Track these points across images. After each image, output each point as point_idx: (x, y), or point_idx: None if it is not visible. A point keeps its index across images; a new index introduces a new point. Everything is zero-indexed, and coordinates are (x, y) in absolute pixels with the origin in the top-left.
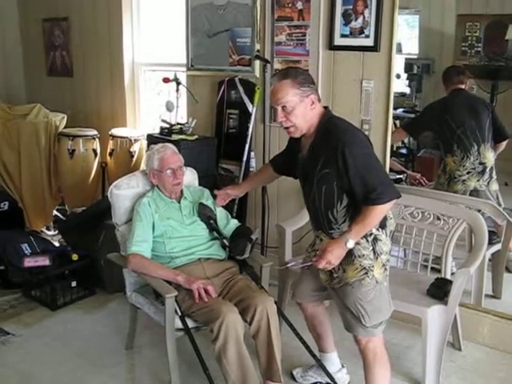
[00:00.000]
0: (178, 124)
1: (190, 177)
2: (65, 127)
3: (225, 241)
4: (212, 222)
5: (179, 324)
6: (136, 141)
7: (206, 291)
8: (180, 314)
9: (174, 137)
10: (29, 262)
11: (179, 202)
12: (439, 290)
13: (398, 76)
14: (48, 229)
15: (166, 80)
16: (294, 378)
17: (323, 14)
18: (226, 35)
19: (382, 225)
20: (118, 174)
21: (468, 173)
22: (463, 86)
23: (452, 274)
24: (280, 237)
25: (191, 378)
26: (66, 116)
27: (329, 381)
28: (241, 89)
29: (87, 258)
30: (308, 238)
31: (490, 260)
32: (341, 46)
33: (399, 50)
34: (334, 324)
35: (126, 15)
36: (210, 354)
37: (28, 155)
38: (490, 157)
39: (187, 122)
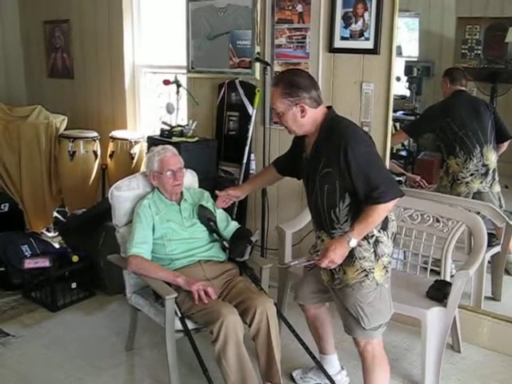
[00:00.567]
0: (179, 126)
1: (190, 179)
2: (65, 129)
3: (225, 243)
4: (212, 224)
5: (179, 325)
6: (136, 143)
7: (206, 293)
8: (180, 315)
9: (175, 139)
10: (29, 264)
11: (179, 204)
12: (439, 292)
13: (398, 79)
14: (48, 230)
15: (166, 82)
16: (293, 380)
17: (323, 17)
18: (227, 37)
19: (384, 226)
20: (118, 175)
21: (471, 175)
22: (464, 88)
23: (451, 276)
24: (280, 239)
25: (191, 380)
26: (66, 118)
27: (328, 383)
28: (241, 91)
29: (87, 259)
30: (308, 240)
31: (489, 262)
32: (341, 49)
33: (399, 53)
34: (334, 325)
35: (127, 17)
36: (210, 355)
37: (28, 157)
38: (492, 158)
39: (187, 124)
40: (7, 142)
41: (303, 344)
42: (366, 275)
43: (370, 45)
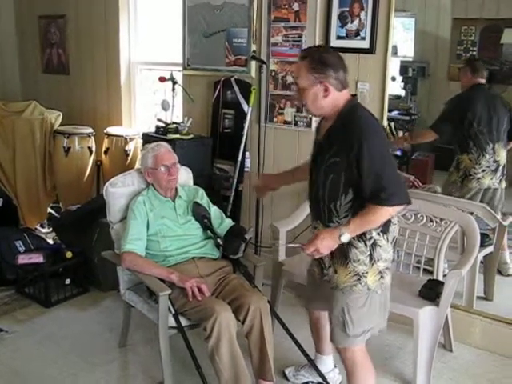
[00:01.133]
0: (174, 123)
1: (185, 176)
2: (60, 125)
3: (219, 240)
4: (206, 221)
5: (172, 322)
6: (131, 139)
7: (200, 290)
8: (173, 312)
9: (170, 136)
10: (23, 259)
11: (174, 201)
12: (431, 292)
13: (394, 78)
14: (42, 226)
15: (162, 79)
16: (286, 377)
17: (319, 16)
18: (223, 35)
19: (385, 230)
20: (112, 172)
21: (483, 171)
22: (484, 81)
23: (444, 275)
24: (274, 237)
25: (184, 376)
26: (61, 114)
27: (321, 380)
28: (236, 89)
29: (81, 255)
30: (302, 238)
31: (481, 262)
32: (336, 48)
33: (395, 53)
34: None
35: (123, 14)
36: (203, 352)
37: (23, 152)
38: (503, 155)
39: (183, 122)
40: (1, 137)
41: (296, 342)
42: (359, 279)
43: (365, 44)
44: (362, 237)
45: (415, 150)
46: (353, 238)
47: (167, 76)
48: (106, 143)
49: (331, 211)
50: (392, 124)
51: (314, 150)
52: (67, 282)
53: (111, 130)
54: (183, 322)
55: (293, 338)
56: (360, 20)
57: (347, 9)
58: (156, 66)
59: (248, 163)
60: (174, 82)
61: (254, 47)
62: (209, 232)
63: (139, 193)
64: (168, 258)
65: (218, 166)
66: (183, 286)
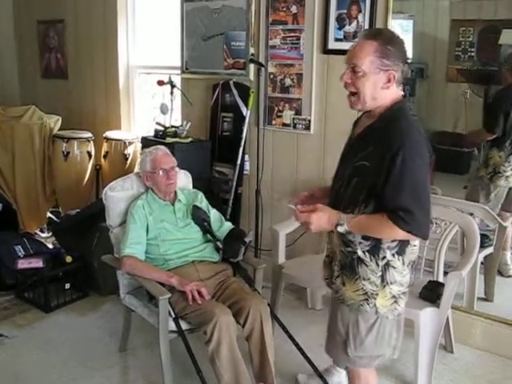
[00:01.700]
0: (173, 127)
1: (184, 179)
2: (59, 129)
3: (218, 243)
4: (206, 224)
5: (173, 326)
6: (130, 143)
7: (200, 293)
8: (173, 315)
9: (169, 139)
10: (22, 264)
11: (173, 205)
12: (431, 293)
13: None
14: (42, 231)
15: (160, 83)
16: (297, 382)
17: (317, 18)
18: (221, 39)
19: (400, 251)
20: (112, 176)
21: None
22: None
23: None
24: (273, 239)
25: (184, 380)
26: (60, 118)
27: None
28: (235, 92)
29: (81, 260)
30: (301, 240)
31: (482, 263)
32: (335, 50)
33: None
34: (325, 326)
35: (121, 18)
36: (204, 355)
37: (22, 157)
38: None
39: (181, 125)
40: (0, 142)
41: (296, 344)
42: (366, 299)
43: None
44: (374, 255)
45: None
46: (364, 253)
47: (166, 80)
48: (105, 147)
49: (347, 212)
50: None
51: (346, 145)
52: (67, 286)
53: (110, 134)
54: (183, 325)
55: (293, 340)
56: (358, 22)
57: (345, 11)
58: (154, 70)
59: (247, 166)
60: (173, 86)
61: (252, 50)
62: (208, 235)
63: (138, 197)
64: (168, 261)
65: (217, 169)
66: (183, 290)
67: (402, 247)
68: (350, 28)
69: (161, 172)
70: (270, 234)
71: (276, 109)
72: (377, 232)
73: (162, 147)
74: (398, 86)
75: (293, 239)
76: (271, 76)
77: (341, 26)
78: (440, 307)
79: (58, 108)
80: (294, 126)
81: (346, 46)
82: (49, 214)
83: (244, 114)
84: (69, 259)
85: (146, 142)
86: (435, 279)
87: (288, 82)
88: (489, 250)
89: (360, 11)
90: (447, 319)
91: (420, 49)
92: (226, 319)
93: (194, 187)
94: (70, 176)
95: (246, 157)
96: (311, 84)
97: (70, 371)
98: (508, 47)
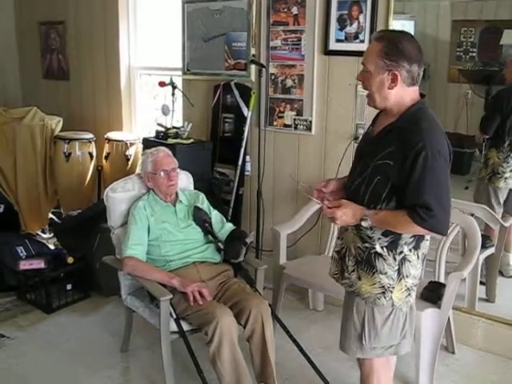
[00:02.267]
0: (174, 128)
1: (186, 180)
2: (61, 130)
3: (220, 244)
4: (207, 225)
5: (174, 327)
6: (132, 144)
7: (201, 294)
8: (175, 316)
9: (170, 140)
10: (24, 265)
11: (174, 206)
12: (433, 294)
13: None
14: (43, 232)
15: (161, 84)
16: None
17: (318, 19)
18: (222, 39)
19: (416, 246)
20: (113, 177)
21: (511, 171)
22: None
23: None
24: (275, 240)
25: (186, 381)
26: (61, 119)
27: None
28: (236, 93)
29: (82, 261)
30: (303, 241)
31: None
32: (336, 51)
33: None
34: (331, 326)
35: (123, 19)
36: (205, 356)
37: (24, 158)
38: None
39: (183, 126)
40: (2, 143)
41: (298, 345)
42: (383, 293)
43: (364, 47)
44: (392, 250)
45: None
46: (382, 248)
47: (167, 81)
48: (106, 148)
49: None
50: None
51: (362, 142)
52: (68, 287)
53: (111, 135)
54: (185, 326)
55: (294, 341)
56: (359, 23)
57: (346, 12)
58: (156, 71)
59: (248, 167)
60: (174, 87)
61: (253, 51)
62: (210, 236)
63: (140, 198)
64: (169, 262)
65: (219, 170)
66: (184, 291)
67: (418, 242)
68: (351, 29)
69: (162, 173)
70: (271, 234)
71: (277, 110)
72: (398, 228)
73: (164, 148)
74: (409, 85)
75: (294, 240)
76: (272, 77)
77: (342, 27)
78: (441, 308)
79: (60, 109)
80: (295, 127)
81: (347, 46)
82: (50, 215)
83: (245, 114)
84: (70, 260)
85: (148, 143)
86: (436, 280)
87: (289, 82)
88: (490, 251)
89: (361, 12)
90: (448, 320)
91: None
92: (228, 320)
93: (195, 188)
94: (72, 177)
95: (247, 158)
96: (312, 85)
97: (71, 371)
98: (509, 47)
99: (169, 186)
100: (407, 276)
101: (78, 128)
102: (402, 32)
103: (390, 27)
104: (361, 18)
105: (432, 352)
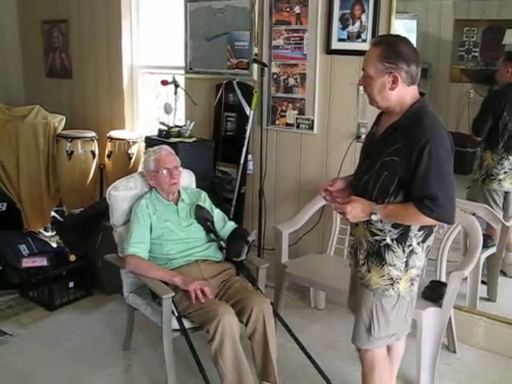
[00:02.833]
0: (176, 126)
1: (188, 179)
2: (63, 129)
3: (222, 243)
4: (209, 224)
5: (176, 325)
6: (134, 143)
7: (203, 292)
8: (177, 314)
9: (172, 139)
10: (26, 263)
11: (177, 204)
12: (434, 293)
13: None
14: (46, 230)
15: (164, 82)
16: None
17: (321, 18)
18: (225, 38)
19: (424, 239)
20: (116, 175)
21: (505, 173)
22: None
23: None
24: (276, 239)
25: (188, 379)
26: (64, 118)
27: None
28: (238, 92)
29: (85, 258)
30: (304, 239)
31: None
32: (338, 50)
33: None
34: (332, 325)
35: (125, 18)
36: (207, 354)
37: (26, 156)
38: None
39: (185, 125)
40: (5, 141)
41: (299, 343)
42: (392, 284)
43: (367, 46)
44: (401, 242)
45: None
46: (392, 241)
47: (169, 79)
48: (108, 147)
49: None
50: None
51: (367, 141)
52: (71, 285)
53: (114, 133)
54: (186, 324)
55: (296, 339)
56: (361, 22)
57: (348, 11)
58: (158, 70)
59: (250, 166)
60: (177, 86)
61: (255, 50)
62: (212, 235)
63: (142, 196)
64: (171, 260)
65: (221, 169)
66: (186, 289)
67: (426, 236)
68: (354, 28)
69: (164, 171)
70: (273, 233)
71: (279, 109)
72: (406, 219)
73: (166, 147)
74: (409, 85)
75: (296, 239)
76: (274, 76)
77: (344, 26)
78: (442, 307)
79: (62, 107)
80: (298, 126)
81: (349, 46)
82: (53, 213)
83: (247, 113)
84: (73, 258)
85: (150, 142)
86: (438, 279)
87: (291, 81)
88: (491, 251)
89: (363, 11)
90: (450, 319)
91: (424, 49)
92: (229, 318)
93: (197, 187)
94: (74, 175)
95: (250, 156)
96: (314, 84)
97: (74, 369)
98: None
99: (171, 184)
100: (413, 267)
101: (80, 126)
102: (398, 36)
103: (393, 27)
104: (363, 17)
105: (433, 351)
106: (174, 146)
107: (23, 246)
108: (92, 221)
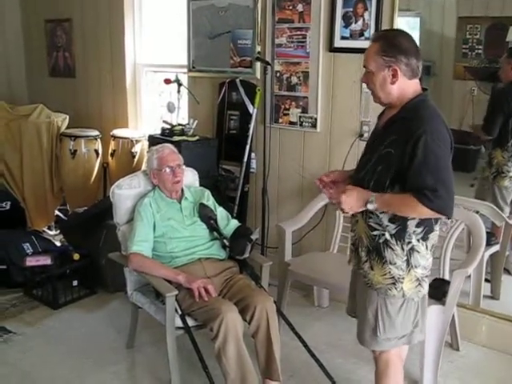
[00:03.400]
0: (179, 125)
1: (191, 177)
2: (67, 128)
3: (225, 241)
4: (212, 222)
5: (179, 323)
6: (137, 141)
7: (206, 290)
8: (180, 312)
9: (175, 138)
10: (30, 262)
11: (180, 203)
12: (437, 291)
13: None
14: (50, 228)
15: (167, 81)
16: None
17: (323, 17)
18: (227, 37)
19: (425, 237)
20: (119, 174)
21: None
22: None
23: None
24: (280, 237)
25: (191, 377)
26: (67, 116)
27: None
28: (242, 90)
29: (88, 257)
30: (308, 238)
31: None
32: (341, 48)
33: None
34: (335, 323)
35: (128, 16)
36: (210, 352)
37: (30, 155)
38: None
39: (188, 123)
40: (9, 140)
41: (303, 341)
42: (394, 283)
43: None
44: (399, 239)
45: None
46: (391, 237)
47: (172, 78)
48: (112, 145)
49: None
50: None
51: (371, 137)
52: (75, 283)
53: (117, 132)
54: (190, 322)
55: (299, 337)
56: (364, 20)
57: (351, 9)
58: (161, 68)
59: (254, 164)
60: (180, 84)
61: (258, 48)
62: (215, 233)
63: (145, 194)
64: (175, 259)
65: (224, 167)
66: (190, 287)
67: (426, 233)
68: (356, 26)
69: (167, 169)
70: (276, 231)
71: (282, 107)
72: (403, 210)
73: (169, 145)
74: (410, 78)
75: (299, 237)
76: (277, 74)
77: (347, 24)
78: (446, 305)
79: (66, 106)
80: (301, 124)
81: (352, 44)
82: (56, 212)
83: (250, 112)
84: (76, 257)
85: (153, 140)
86: (441, 277)
87: (294, 80)
88: (495, 248)
89: (366, 9)
90: (453, 317)
91: (427, 46)
92: (233, 316)
93: (200, 185)
94: (78, 174)
95: (253, 155)
96: (317, 82)
97: (78, 367)
98: None
99: (174, 182)
100: (416, 266)
101: (83, 125)
102: (396, 30)
103: (395, 24)
104: (366, 15)
105: (436, 349)
106: (177, 144)
107: (27, 244)
108: (96, 219)
